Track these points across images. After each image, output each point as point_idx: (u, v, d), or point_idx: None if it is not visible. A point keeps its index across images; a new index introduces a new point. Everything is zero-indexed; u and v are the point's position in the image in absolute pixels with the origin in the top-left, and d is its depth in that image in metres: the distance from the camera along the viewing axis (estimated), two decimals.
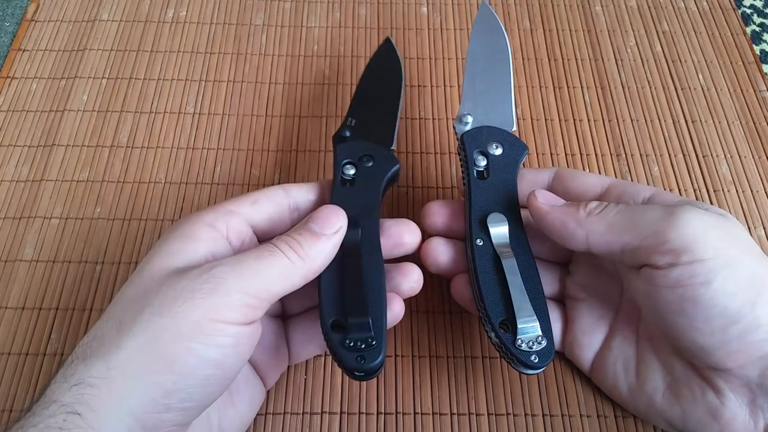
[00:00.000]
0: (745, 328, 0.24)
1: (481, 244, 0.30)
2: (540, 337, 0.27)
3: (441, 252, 0.31)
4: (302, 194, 0.30)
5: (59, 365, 0.23)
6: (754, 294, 0.25)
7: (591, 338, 0.31)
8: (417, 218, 0.38)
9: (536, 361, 0.27)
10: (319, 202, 0.30)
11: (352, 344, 0.26)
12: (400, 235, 0.30)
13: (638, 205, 0.28)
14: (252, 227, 0.29)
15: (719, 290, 0.24)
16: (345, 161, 0.31)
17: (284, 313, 0.32)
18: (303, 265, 0.26)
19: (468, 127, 0.33)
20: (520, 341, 0.27)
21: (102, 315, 0.24)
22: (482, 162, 0.32)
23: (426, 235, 0.32)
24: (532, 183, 0.32)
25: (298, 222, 0.30)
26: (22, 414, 0.22)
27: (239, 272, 0.24)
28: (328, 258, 0.27)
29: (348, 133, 0.33)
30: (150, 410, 0.22)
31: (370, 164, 0.32)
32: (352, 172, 0.31)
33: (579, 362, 0.31)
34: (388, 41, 0.39)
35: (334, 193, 0.30)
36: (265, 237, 0.30)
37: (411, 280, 0.30)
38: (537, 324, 0.27)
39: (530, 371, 0.27)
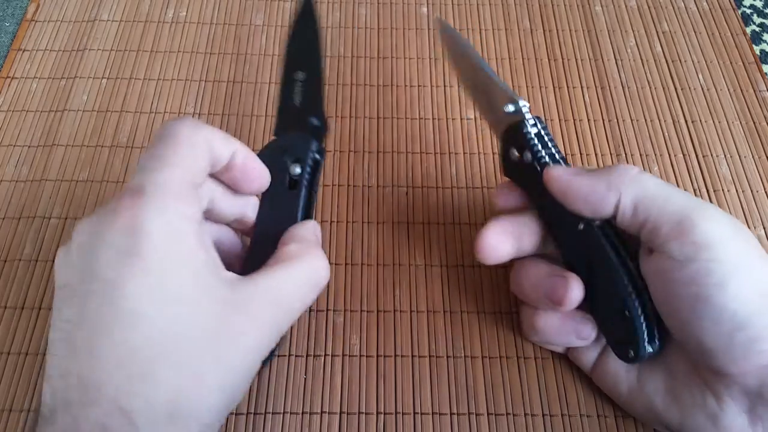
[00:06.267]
0: (752, 336, 0.24)
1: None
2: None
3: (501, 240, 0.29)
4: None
5: None
6: (766, 304, 0.24)
7: (595, 341, 0.30)
8: (416, 218, 0.38)
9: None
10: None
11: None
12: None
13: (672, 185, 0.27)
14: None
15: (732, 294, 0.24)
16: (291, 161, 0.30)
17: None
18: None
19: (526, 113, 0.30)
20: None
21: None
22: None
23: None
24: None
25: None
26: None
27: None
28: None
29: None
30: None
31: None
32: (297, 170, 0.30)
33: (581, 364, 0.31)
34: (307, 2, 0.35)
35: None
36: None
37: None
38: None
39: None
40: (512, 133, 0.30)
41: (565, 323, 0.29)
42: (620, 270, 0.27)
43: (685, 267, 0.24)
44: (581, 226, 0.28)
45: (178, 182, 0.23)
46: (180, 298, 0.22)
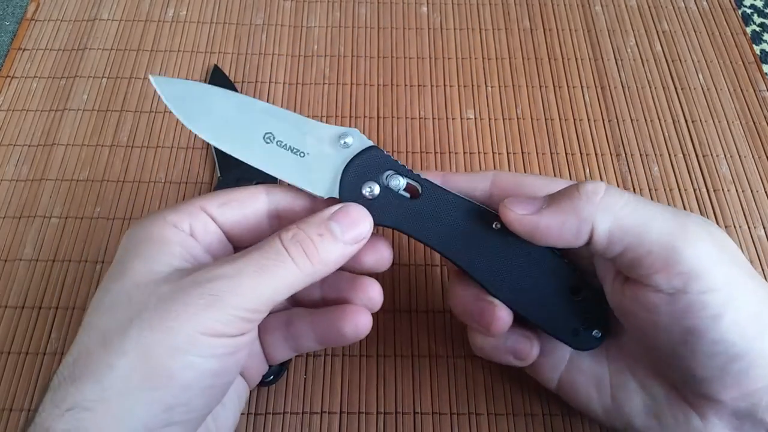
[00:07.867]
0: (748, 364, 0.22)
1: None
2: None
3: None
4: (287, 199, 0.26)
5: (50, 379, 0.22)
6: (762, 326, 0.23)
7: (553, 358, 0.28)
8: None
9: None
10: (309, 212, 0.26)
11: None
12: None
13: (648, 200, 0.24)
14: (224, 231, 0.26)
15: (728, 325, 0.22)
16: None
17: None
18: (313, 272, 0.23)
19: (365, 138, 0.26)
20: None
21: (81, 327, 0.22)
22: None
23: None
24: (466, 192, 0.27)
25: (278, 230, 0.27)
26: None
27: (236, 288, 0.22)
28: (342, 263, 0.24)
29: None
30: (152, 426, 0.21)
31: None
32: None
33: (544, 382, 0.29)
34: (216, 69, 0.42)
35: None
36: (239, 243, 0.26)
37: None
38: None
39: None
40: (362, 166, 0.26)
41: (500, 343, 0.27)
42: (557, 254, 0.26)
43: (676, 301, 0.23)
44: (497, 226, 0.26)
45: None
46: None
